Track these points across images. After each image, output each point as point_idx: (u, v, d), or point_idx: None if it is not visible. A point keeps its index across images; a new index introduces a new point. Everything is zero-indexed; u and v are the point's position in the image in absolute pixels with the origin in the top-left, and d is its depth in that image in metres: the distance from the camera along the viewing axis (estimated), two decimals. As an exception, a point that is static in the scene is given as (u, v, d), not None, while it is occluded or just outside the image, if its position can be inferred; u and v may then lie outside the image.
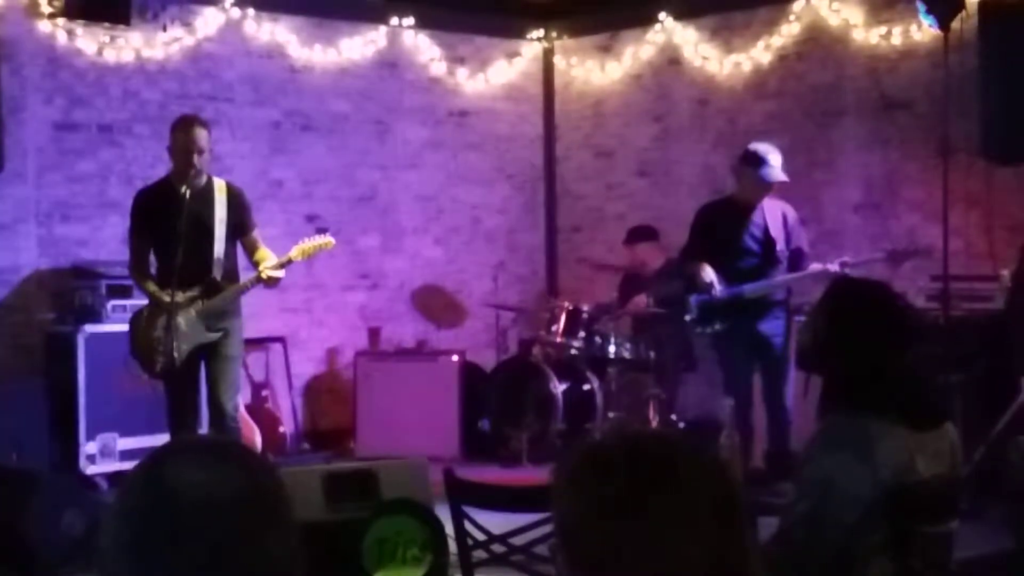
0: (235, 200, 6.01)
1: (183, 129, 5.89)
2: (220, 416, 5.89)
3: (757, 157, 6.40)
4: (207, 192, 5.92)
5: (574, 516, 1.47)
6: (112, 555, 1.39)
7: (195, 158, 5.82)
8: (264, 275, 5.88)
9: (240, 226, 6.00)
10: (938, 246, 6.60)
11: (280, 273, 5.92)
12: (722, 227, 6.55)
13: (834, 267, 6.36)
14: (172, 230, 5.75)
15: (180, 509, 1.37)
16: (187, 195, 5.77)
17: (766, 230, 6.50)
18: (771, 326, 6.51)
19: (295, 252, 6.02)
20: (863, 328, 2.84)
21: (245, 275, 6.11)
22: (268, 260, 5.95)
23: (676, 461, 1.47)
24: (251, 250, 6.05)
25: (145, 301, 6.12)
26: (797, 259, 6.56)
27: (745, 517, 1.50)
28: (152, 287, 5.92)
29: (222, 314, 5.93)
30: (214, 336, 5.89)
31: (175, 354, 5.80)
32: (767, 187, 6.44)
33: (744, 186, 6.54)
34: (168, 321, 5.80)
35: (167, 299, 5.79)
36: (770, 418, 6.49)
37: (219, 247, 5.89)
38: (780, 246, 6.49)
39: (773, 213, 6.54)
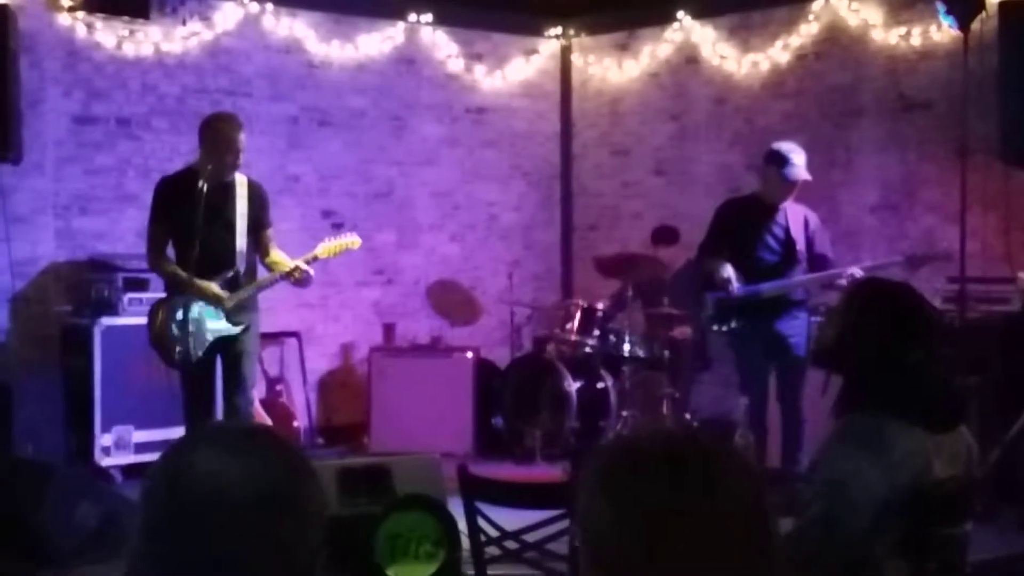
0: (256, 195, 6.06)
1: (234, 127, 5.94)
2: (234, 411, 5.92)
3: (780, 156, 6.39)
4: (230, 186, 5.96)
5: (605, 518, 1.43)
6: (135, 544, 1.39)
7: (241, 156, 5.92)
8: (298, 274, 5.88)
9: (258, 221, 6.04)
10: (955, 248, 6.58)
11: (312, 269, 5.95)
12: (743, 224, 6.53)
13: (856, 272, 6.29)
14: (194, 222, 5.77)
15: (200, 500, 1.37)
16: (204, 189, 5.78)
17: (787, 230, 6.49)
18: (789, 326, 6.48)
19: (320, 250, 6.07)
20: (886, 328, 2.84)
21: (262, 272, 6.14)
22: (282, 262, 5.98)
23: (717, 469, 1.44)
24: (264, 249, 6.08)
25: (162, 293, 6.14)
26: (822, 265, 6.53)
27: (775, 527, 1.48)
28: (174, 268, 5.92)
29: (243, 308, 5.95)
30: (236, 329, 5.91)
31: (195, 346, 5.83)
32: (790, 186, 6.42)
33: (768, 185, 6.51)
34: (185, 313, 5.82)
35: (187, 278, 5.79)
36: (784, 418, 6.47)
37: (241, 241, 5.93)
38: (800, 247, 6.48)
39: (795, 215, 6.53)
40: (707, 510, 1.41)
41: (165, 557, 1.37)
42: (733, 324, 6.52)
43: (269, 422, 7.66)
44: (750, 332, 6.49)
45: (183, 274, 5.84)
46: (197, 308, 5.84)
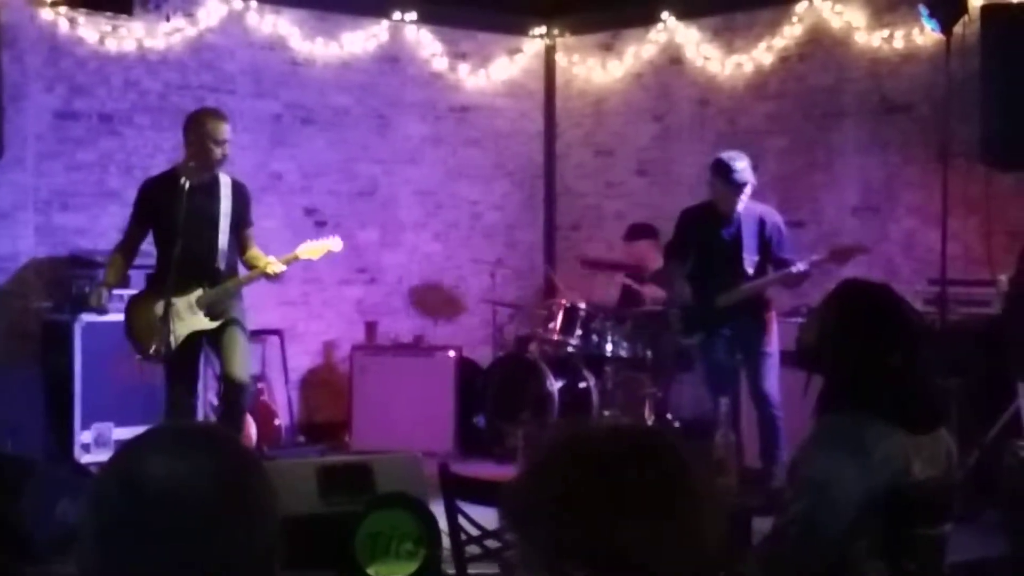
0: (239, 195, 6.11)
1: (219, 120, 5.99)
2: (236, 388, 5.96)
3: (723, 165, 6.49)
4: (214, 185, 6.01)
5: (581, 520, 1.40)
6: (83, 547, 1.39)
7: (227, 148, 5.96)
8: (271, 270, 5.95)
9: (241, 220, 6.10)
10: (936, 249, 6.62)
11: (283, 268, 6.01)
12: (697, 232, 6.68)
13: (799, 268, 6.36)
14: (181, 222, 5.81)
15: (146, 501, 1.37)
16: (186, 186, 5.83)
17: (737, 237, 6.54)
18: (750, 327, 6.56)
19: (301, 251, 6.13)
20: (867, 329, 2.85)
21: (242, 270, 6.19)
22: (260, 259, 6.03)
23: (682, 457, 1.45)
24: (243, 247, 6.13)
25: (142, 286, 6.20)
26: (783, 269, 6.56)
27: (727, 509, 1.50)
28: (111, 279, 6.05)
29: (220, 303, 6.00)
30: (213, 324, 5.96)
31: (168, 339, 5.87)
32: (737, 190, 6.46)
33: (717, 194, 6.60)
34: (166, 308, 5.84)
35: (100, 297, 5.96)
36: (759, 416, 6.55)
37: (223, 238, 5.99)
38: (747, 253, 6.52)
39: (749, 219, 6.56)
40: (681, 501, 1.42)
41: (117, 560, 1.36)
42: (698, 335, 6.66)
43: (250, 420, 7.63)
44: (713, 337, 6.60)
45: (109, 277, 6.06)
46: (175, 303, 5.89)
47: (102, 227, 7.87)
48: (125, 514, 1.37)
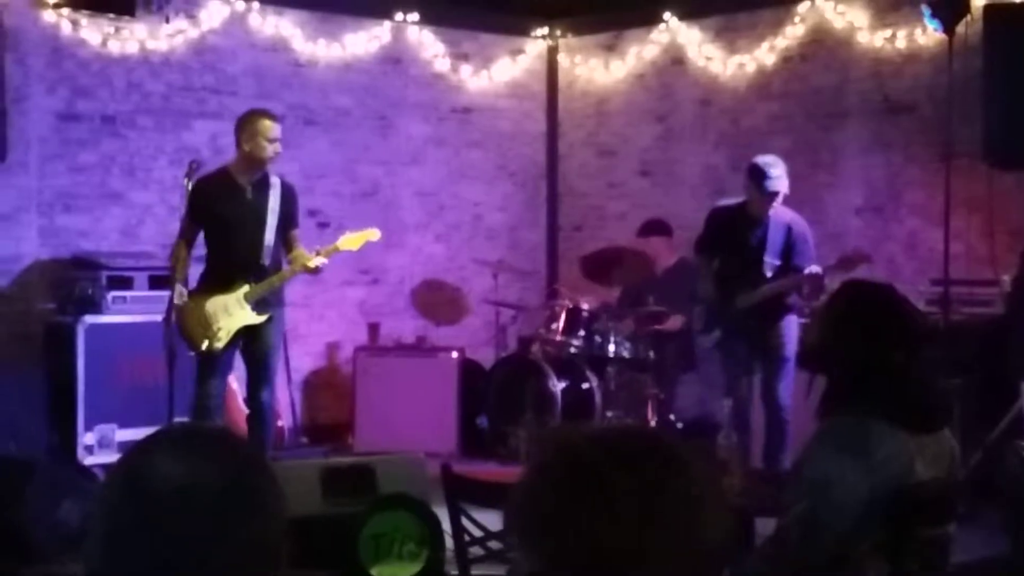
0: (288, 196, 6.32)
1: (270, 119, 6.21)
2: (255, 405, 6.25)
3: (758, 170, 6.47)
4: (264, 185, 6.24)
5: (573, 528, 1.39)
6: (91, 546, 1.40)
7: (279, 147, 6.21)
8: (311, 264, 6.13)
9: (288, 220, 6.29)
10: (938, 249, 6.61)
11: (324, 260, 6.18)
12: (727, 233, 6.65)
13: (810, 270, 6.34)
14: (232, 219, 6.07)
15: (152, 502, 1.38)
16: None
17: (762, 242, 6.54)
18: (773, 328, 6.54)
19: (342, 242, 6.34)
20: (870, 330, 2.85)
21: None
22: (304, 256, 6.22)
23: (677, 459, 1.44)
24: (289, 246, 6.33)
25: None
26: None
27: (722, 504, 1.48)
28: (180, 275, 6.12)
29: (267, 300, 6.19)
30: (259, 319, 6.15)
31: (220, 335, 6.09)
32: (770, 198, 6.45)
33: (750, 197, 6.59)
34: (213, 304, 6.07)
35: (181, 295, 6.04)
36: (767, 419, 6.53)
37: (270, 236, 6.19)
38: (769, 257, 6.52)
39: (777, 225, 6.55)
40: (681, 505, 1.41)
41: (125, 560, 1.37)
42: (716, 334, 6.69)
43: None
44: (732, 336, 6.60)
45: (178, 274, 6.09)
46: (223, 299, 6.11)
47: (105, 229, 7.87)
48: (133, 514, 1.38)
